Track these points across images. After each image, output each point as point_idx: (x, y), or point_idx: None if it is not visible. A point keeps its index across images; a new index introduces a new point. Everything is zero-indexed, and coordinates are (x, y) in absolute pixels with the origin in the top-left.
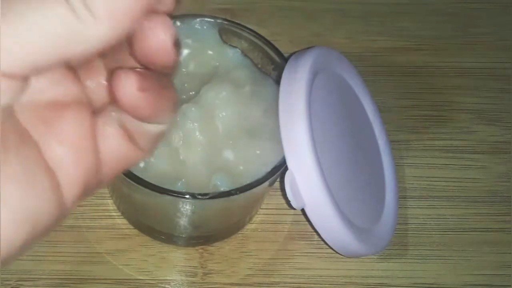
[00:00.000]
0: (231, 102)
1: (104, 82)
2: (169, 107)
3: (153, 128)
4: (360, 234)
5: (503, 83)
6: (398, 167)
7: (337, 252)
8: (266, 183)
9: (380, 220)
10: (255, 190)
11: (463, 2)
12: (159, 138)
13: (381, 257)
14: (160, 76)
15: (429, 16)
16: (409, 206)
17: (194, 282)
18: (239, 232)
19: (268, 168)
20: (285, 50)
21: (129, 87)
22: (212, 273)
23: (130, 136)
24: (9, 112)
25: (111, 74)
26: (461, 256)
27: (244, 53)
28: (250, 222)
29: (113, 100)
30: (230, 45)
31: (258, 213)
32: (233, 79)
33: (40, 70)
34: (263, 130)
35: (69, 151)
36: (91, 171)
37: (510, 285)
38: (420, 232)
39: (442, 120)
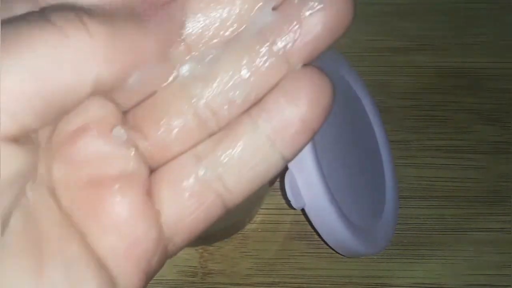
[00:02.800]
0: None
1: (176, 125)
2: None
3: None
4: (360, 234)
5: (503, 83)
6: (398, 167)
7: (337, 252)
8: (266, 183)
9: (380, 220)
10: (255, 190)
11: (463, 2)
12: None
13: (381, 257)
14: None
15: (429, 16)
16: (409, 206)
17: (194, 282)
18: (239, 232)
19: None
20: None
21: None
22: (212, 273)
23: (219, 191)
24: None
25: None
26: (461, 256)
27: None
28: (250, 222)
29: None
30: None
31: (258, 213)
32: None
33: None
34: None
35: (120, 239)
36: (151, 255)
37: (510, 285)
38: (420, 232)
39: (442, 120)
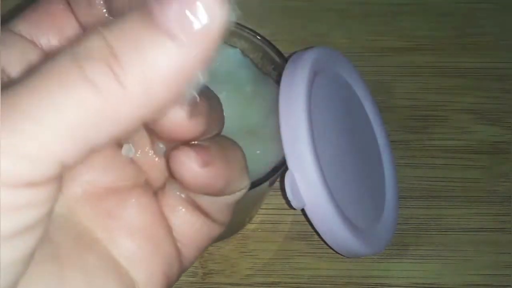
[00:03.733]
0: (231, 102)
1: (151, 153)
2: (239, 172)
3: (228, 199)
4: (360, 234)
5: (503, 83)
6: (398, 167)
7: (337, 252)
8: (266, 183)
9: (380, 220)
10: (255, 190)
11: (463, 2)
12: (233, 205)
13: (381, 257)
14: (219, 136)
15: (429, 16)
16: (409, 206)
17: (194, 282)
18: (239, 232)
19: (268, 168)
20: (285, 50)
21: (193, 166)
22: (212, 273)
23: (204, 212)
24: (65, 216)
25: (167, 159)
26: (461, 256)
27: (244, 53)
28: (250, 222)
29: (182, 185)
30: (230, 45)
31: (258, 213)
32: (233, 79)
33: (72, 163)
34: (263, 130)
35: (141, 243)
36: (171, 259)
37: (510, 285)
38: (420, 232)
39: (442, 120)
